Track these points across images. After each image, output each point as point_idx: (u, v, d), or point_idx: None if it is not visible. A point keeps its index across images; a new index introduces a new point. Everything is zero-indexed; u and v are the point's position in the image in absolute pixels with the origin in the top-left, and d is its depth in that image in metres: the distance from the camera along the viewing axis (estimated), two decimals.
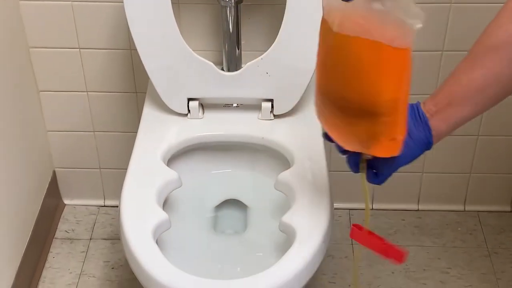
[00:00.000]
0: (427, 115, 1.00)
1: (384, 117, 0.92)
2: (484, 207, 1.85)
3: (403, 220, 1.84)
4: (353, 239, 1.10)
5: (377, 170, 1.03)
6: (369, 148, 0.97)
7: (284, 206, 1.28)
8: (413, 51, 0.87)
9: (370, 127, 0.93)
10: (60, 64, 1.64)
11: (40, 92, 1.69)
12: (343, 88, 0.92)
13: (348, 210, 1.85)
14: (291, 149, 1.35)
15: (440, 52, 1.61)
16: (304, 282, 1.15)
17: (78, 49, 1.61)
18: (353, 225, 1.10)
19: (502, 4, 0.98)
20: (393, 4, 0.83)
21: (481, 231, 1.80)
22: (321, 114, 1.00)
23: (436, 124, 1.00)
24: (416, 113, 1.00)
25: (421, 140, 1.00)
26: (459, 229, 1.81)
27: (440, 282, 1.67)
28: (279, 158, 1.38)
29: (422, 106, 1.01)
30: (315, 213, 1.22)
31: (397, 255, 1.05)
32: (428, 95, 1.03)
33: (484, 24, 1.00)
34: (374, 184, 1.05)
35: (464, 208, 1.86)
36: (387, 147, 0.96)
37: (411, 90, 0.93)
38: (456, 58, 1.05)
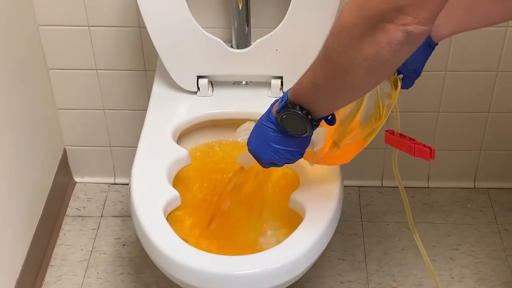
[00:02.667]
0: None
1: None
2: (494, 184, 1.85)
3: (413, 197, 1.84)
4: (388, 144, 1.19)
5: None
6: None
7: (294, 182, 1.28)
8: None
9: None
10: (70, 42, 1.63)
11: (50, 70, 1.69)
12: None
13: (357, 187, 1.85)
14: None
15: None
16: (313, 258, 1.16)
17: (87, 27, 1.61)
18: (386, 131, 1.19)
19: None
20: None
21: (491, 208, 1.80)
22: None
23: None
24: None
25: None
26: (469, 206, 1.81)
27: (449, 258, 1.68)
28: None
29: None
30: (325, 190, 1.22)
31: (424, 153, 1.13)
32: None
33: None
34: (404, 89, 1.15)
35: (474, 185, 1.85)
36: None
37: None
38: None
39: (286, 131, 1.04)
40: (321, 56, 0.93)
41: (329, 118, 1.06)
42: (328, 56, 0.91)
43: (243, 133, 1.16)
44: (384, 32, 0.82)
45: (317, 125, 1.03)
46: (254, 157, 1.12)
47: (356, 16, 0.84)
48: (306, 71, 0.98)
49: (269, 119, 1.05)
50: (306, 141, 1.08)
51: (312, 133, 1.07)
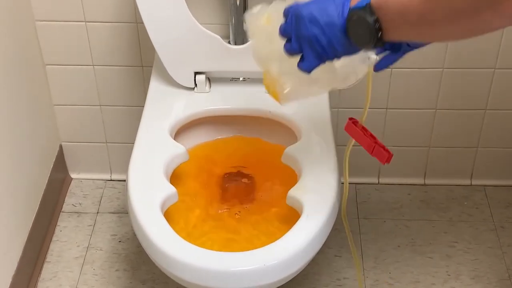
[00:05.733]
0: None
1: None
2: (491, 181, 1.85)
3: (409, 194, 1.84)
4: (347, 132, 1.11)
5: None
6: None
7: (292, 179, 1.28)
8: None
9: None
10: (66, 38, 1.63)
11: (46, 66, 1.68)
12: None
13: (354, 184, 1.85)
14: (298, 123, 1.35)
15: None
16: (310, 255, 1.16)
17: (84, 23, 1.60)
18: (349, 118, 1.11)
19: None
20: None
21: (488, 205, 1.80)
22: None
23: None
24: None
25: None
26: (465, 203, 1.81)
27: (446, 255, 1.68)
28: (287, 132, 1.38)
29: None
30: (322, 187, 1.22)
31: (382, 156, 1.07)
32: None
33: None
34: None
35: (471, 182, 1.86)
36: None
37: None
38: None
39: (346, 31, 0.93)
40: None
41: (395, 46, 0.98)
42: None
43: (259, 8, 1.06)
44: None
45: (382, 46, 0.94)
46: (287, 16, 0.99)
47: None
48: None
49: (341, 4, 0.94)
50: (350, 50, 0.96)
51: (360, 53, 0.96)
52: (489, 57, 1.63)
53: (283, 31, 1.01)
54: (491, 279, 1.62)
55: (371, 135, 1.09)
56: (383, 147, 1.07)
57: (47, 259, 1.67)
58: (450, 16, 0.83)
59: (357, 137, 1.10)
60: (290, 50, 1.00)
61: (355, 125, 1.10)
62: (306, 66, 0.99)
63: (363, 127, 1.10)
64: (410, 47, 1.04)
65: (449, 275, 1.63)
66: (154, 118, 1.38)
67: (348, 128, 1.11)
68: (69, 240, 1.72)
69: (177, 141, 1.33)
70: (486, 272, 1.64)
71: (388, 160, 1.08)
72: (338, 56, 0.98)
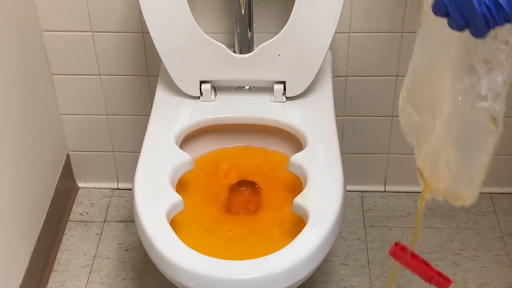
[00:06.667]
0: None
1: None
2: (498, 189, 1.84)
3: (416, 202, 1.82)
4: (392, 258, 1.10)
5: None
6: None
7: (297, 187, 1.28)
8: None
9: None
10: (73, 48, 1.64)
11: (53, 76, 1.69)
12: None
13: (360, 192, 1.85)
14: (304, 131, 1.36)
15: None
16: (316, 263, 1.16)
17: (90, 33, 1.61)
18: (395, 244, 1.09)
19: None
20: None
21: (494, 213, 1.80)
22: None
23: None
24: None
25: None
26: (472, 210, 1.81)
27: (453, 263, 1.67)
28: (292, 140, 1.39)
29: None
30: (327, 195, 1.22)
31: (442, 285, 1.04)
32: None
33: None
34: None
35: None
36: None
37: None
38: None
39: None
40: None
41: None
42: None
43: None
44: None
45: None
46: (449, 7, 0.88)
47: None
48: None
49: None
50: None
51: None
52: None
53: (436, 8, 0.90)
54: (498, 287, 1.62)
55: (425, 262, 1.05)
56: (441, 275, 1.03)
57: (54, 268, 1.68)
58: None
59: (407, 263, 1.07)
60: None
61: (402, 251, 1.08)
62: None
63: (412, 253, 1.08)
64: None
65: (456, 283, 1.63)
66: (160, 127, 1.39)
67: (393, 254, 1.09)
68: (76, 249, 1.73)
69: (182, 150, 1.33)
70: (493, 280, 1.63)
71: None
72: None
